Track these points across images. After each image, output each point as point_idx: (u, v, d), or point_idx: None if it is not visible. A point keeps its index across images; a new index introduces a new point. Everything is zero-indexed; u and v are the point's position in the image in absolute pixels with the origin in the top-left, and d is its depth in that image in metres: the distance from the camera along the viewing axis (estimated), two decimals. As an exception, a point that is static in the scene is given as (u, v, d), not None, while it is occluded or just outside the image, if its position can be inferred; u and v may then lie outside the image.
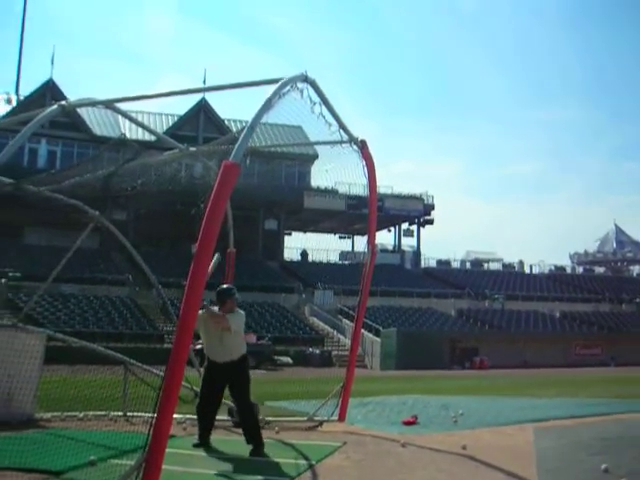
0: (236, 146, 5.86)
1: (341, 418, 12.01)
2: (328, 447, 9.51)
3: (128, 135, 48.92)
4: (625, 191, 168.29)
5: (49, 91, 51.48)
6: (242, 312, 9.67)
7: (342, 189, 56.86)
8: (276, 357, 38.51)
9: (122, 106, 10.54)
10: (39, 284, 14.41)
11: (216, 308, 9.46)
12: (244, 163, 6.22)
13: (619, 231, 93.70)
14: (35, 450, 8.20)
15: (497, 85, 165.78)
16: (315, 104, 8.29)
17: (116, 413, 11.90)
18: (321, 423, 11.76)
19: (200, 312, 9.30)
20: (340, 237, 72.23)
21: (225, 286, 9.84)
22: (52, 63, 77.39)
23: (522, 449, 9.78)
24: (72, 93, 48.58)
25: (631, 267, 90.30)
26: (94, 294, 45.13)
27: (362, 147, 10.63)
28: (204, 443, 9.33)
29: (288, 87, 7.03)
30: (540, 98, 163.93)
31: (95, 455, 7.91)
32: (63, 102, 7.82)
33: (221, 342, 9.23)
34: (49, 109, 7.59)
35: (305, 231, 69.70)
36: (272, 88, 6.80)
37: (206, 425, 9.52)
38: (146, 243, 43.75)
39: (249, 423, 9.25)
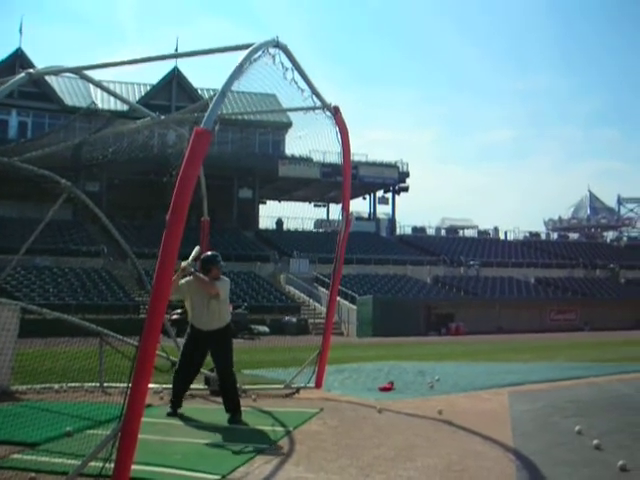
0: (207, 112, 5.79)
1: (318, 385, 12.04)
2: (305, 414, 9.54)
3: (100, 105, 48.54)
4: (599, 157, 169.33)
5: (18, 61, 50.63)
6: (227, 279, 9.65)
7: (317, 157, 56.66)
8: (252, 326, 38.52)
9: (93, 76, 10.41)
10: (12, 257, 14.22)
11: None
12: (216, 130, 6.13)
13: (593, 197, 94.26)
14: (10, 422, 8.16)
15: (471, 54, 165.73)
16: (287, 70, 8.20)
17: (92, 384, 11.86)
18: (298, 390, 11.79)
19: (188, 279, 9.27)
20: (315, 205, 72.11)
21: (210, 253, 9.78)
22: (20, 32, 76.02)
23: (497, 413, 9.87)
24: (42, 63, 47.94)
25: (605, 233, 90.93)
26: (68, 266, 44.82)
27: (335, 113, 10.56)
28: (177, 412, 9.34)
29: (260, 52, 6.95)
30: (515, 66, 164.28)
31: (71, 426, 7.90)
32: (30, 70, 7.69)
33: (208, 310, 9.21)
34: (15, 77, 7.46)
35: (280, 200, 69.55)
36: (244, 54, 6.72)
37: (181, 394, 9.54)
38: (120, 214, 43.60)
39: (230, 390, 9.25)
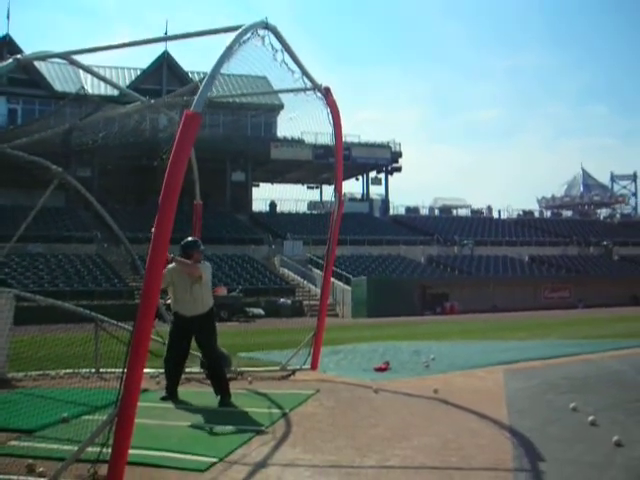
0: (197, 95, 5.77)
1: (313, 367, 12.07)
2: (301, 395, 9.56)
3: (90, 91, 48.18)
4: (591, 134, 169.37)
5: (6, 47, 50.26)
6: (208, 264, 9.66)
7: (309, 139, 56.58)
8: (247, 309, 38.56)
9: (82, 61, 10.33)
10: (4, 244, 14.17)
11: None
12: (206, 113, 6.11)
13: (586, 175, 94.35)
14: (7, 409, 8.17)
15: (458, 32, 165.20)
16: (277, 51, 8.16)
17: (88, 370, 11.86)
18: (294, 372, 11.82)
19: (170, 266, 9.26)
20: (308, 187, 72.07)
21: (190, 238, 9.80)
22: (8, 18, 75.48)
23: (493, 391, 9.92)
24: (31, 50, 47.62)
25: (598, 210, 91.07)
26: (62, 252, 44.75)
27: (326, 94, 10.53)
28: (172, 396, 9.36)
29: (249, 34, 6.90)
30: (504, 44, 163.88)
31: (67, 412, 7.90)
32: (18, 56, 7.63)
33: (191, 295, 9.23)
34: (3, 63, 7.41)
35: (273, 182, 69.41)
36: (233, 36, 6.68)
37: (175, 378, 9.55)
38: (112, 199, 43.37)
39: (217, 373, 9.29)
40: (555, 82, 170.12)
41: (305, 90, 10.22)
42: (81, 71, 50.56)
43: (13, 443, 6.74)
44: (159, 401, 9.11)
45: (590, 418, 7.31)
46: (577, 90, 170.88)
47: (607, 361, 13.26)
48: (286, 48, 8.46)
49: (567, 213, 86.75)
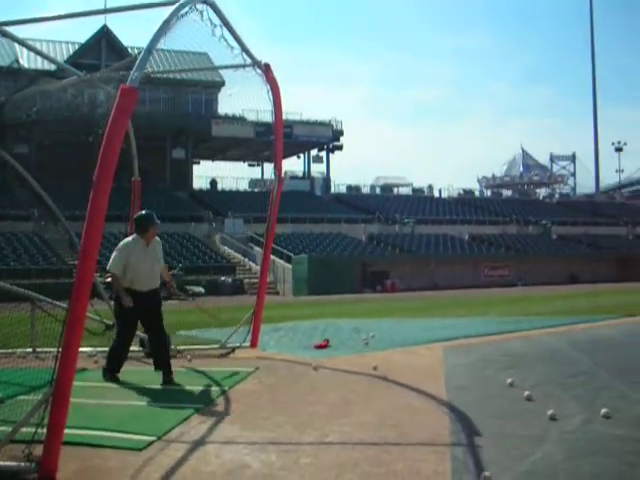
0: (133, 70, 5.68)
1: (253, 344, 12.06)
2: (240, 373, 9.54)
3: (26, 65, 47.18)
4: (532, 115, 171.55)
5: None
6: (159, 239, 9.52)
7: (250, 116, 56.40)
8: (187, 287, 38.34)
9: (16, 34, 10.08)
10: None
11: (132, 238, 9.28)
12: (146, 89, 6.03)
13: (526, 155, 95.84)
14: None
15: (404, 10, 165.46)
16: (216, 27, 8.06)
17: (25, 350, 11.66)
18: (233, 350, 11.80)
19: (124, 241, 9.10)
20: (249, 165, 72.00)
21: (144, 212, 9.50)
22: None
23: (432, 368, 10.00)
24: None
25: (537, 190, 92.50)
26: (-2, 230, 44.01)
27: (266, 70, 10.46)
28: (116, 377, 9.19)
29: (187, 8, 6.78)
30: (448, 25, 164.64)
31: (2, 393, 7.76)
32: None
33: (152, 271, 9.13)
34: None
35: (214, 159, 69.16)
36: (170, 10, 6.57)
37: (122, 358, 9.40)
38: (50, 176, 42.60)
39: (163, 350, 9.19)
40: (500, 63, 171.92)
41: (244, 66, 10.13)
42: (16, 44, 49.60)
43: (-55, 424, 6.61)
44: (97, 380, 9.00)
45: (526, 393, 7.43)
46: (520, 71, 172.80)
47: (544, 338, 13.48)
48: (225, 23, 8.37)
49: (507, 192, 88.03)
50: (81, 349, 6.38)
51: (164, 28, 6.06)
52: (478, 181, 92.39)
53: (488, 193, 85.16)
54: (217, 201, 58.20)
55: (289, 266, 45.18)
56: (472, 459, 5.30)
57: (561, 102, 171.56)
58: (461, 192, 77.83)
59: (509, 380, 8.29)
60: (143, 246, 9.16)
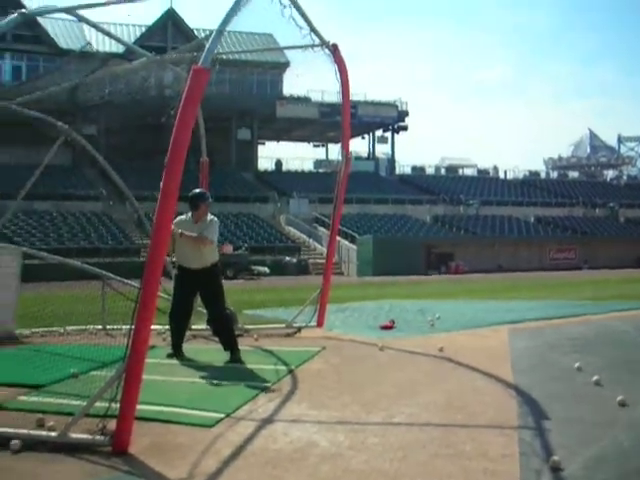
0: (205, 51, 5.71)
1: (319, 324, 12.12)
2: (307, 352, 9.61)
3: (95, 47, 47.88)
4: (600, 94, 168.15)
5: (10, 3, 49.73)
6: (216, 220, 9.54)
7: (315, 97, 56.57)
8: (253, 267, 38.66)
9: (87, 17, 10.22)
10: (11, 202, 14.17)
11: (186, 214, 9.41)
12: (214, 70, 6.07)
13: (593, 136, 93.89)
14: (16, 365, 8.23)
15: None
16: (285, 7, 8.09)
17: (95, 327, 11.91)
18: (299, 329, 11.87)
19: (177, 219, 9.22)
20: (314, 145, 72.05)
21: (197, 190, 9.68)
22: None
23: (497, 350, 9.95)
24: (35, 5, 47.21)
25: (604, 172, 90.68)
26: (68, 210, 44.86)
27: (334, 51, 10.44)
28: (178, 353, 9.36)
29: (257, -11, 6.82)
30: (514, 1, 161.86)
31: (76, 368, 7.94)
32: (23, 10, 7.55)
33: (192, 248, 9.16)
34: (9, 17, 7.34)
35: (278, 140, 69.29)
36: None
37: (180, 334, 9.54)
38: (118, 157, 43.29)
39: (225, 331, 9.28)
40: (565, 41, 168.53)
41: (313, 47, 10.13)
42: (85, 28, 50.38)
43: (22, 398, 6.81)
44: (166, 357, 9.16)
45: (594, 378, 7.34)
46: (587, 50, 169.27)
47: (611, 322, 13.29)
48: (293, 3, 8.38)
49: (573, 174, 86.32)
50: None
51: (235, 8, 6.08)
52: (544, 162, 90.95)
53: (554, 174, 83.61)
54: (282, 182, 58.39)
55: (354, 247, 45.20)
56: (540, 442, 5.27)
57: (629, 82, 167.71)
58: (526, 173, 76.67)
59: (576, 364, 8.20)
60: (191, 223, 9.28)
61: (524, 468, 4.67)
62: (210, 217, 9.44)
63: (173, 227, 9.04)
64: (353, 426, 5.83)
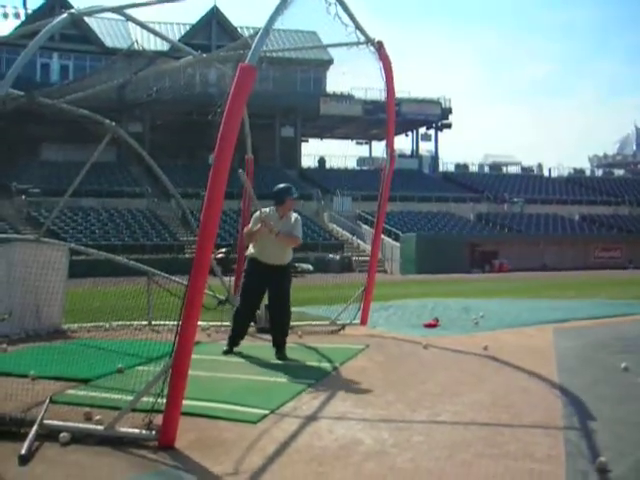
0: (251, 48, 5.73)
1: (363, 322, 12.12)
2: (351, 350, 9.61)
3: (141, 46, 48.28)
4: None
5: (57, 3, 50.38)
6: (299, 217, 9.47)
7: (358, 94, 56.50)
8: (296, 264, 38.66)
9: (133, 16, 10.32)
10: (58, 199, 14.36)
11: (270, 209, 9.35)
12: (260, 68, 6.10)
13: (639, 133, 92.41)
14: (64, 359, 8.33)
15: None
16: (330, 4, 8.09)
17: (141, 323, 12.03)
18: (343, 327, 11.87)
19: (262, 210, 9.19)
20: (357, 143, 71.97)
21: (282, 185, 9.59)
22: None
23: (542, 349, 9.86)
24: (81, 5, 47.69)
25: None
26: (114, 207, 45.37)
27: (379, 48, 10.42)
28: (234, 350, 9.34)
29: (303, -13, 6.84)
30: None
31: (122, 363, 8.03)
32: (72, 10, 7.65)
33: (281, 246, 9.08)
34: (58, 18, 7.43)
35: (322, 138, 69.37)
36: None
37: (243, 332, 9.50)
38: (163, 154, 43.72)
39: (285, 327, 9.27)
40: (610, 38, 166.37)
41: (358, 44, 10.12)
42: (131, 27, 50.87)
43: (70, 392, 6.89)
44: (210, 353, 9.20)
45: (642, 378, 7.26)
46: (634, 46, 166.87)
47: (659, 322, 13.11)
48: (340, 2, 8.38)
49: (619, 172, 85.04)
50: (197, 323, 6.53)
51: (281, 7, 6.11)
52: (589, 160, 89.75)
53: (599, 172, 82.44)
54: (325, 179, 58.44)
55: (397, 244, 45.12)
56: (586, 443, 5.21)
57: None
58: (571, 171, 75.75)
59: (623, 364, 8.10)
60: (276, 218, 9.19)
61: (570, 469, 4.63)
62: (295, 215, 9.41)
63: (260, 221, 9.04)
64: (398, 424, 5.83)
